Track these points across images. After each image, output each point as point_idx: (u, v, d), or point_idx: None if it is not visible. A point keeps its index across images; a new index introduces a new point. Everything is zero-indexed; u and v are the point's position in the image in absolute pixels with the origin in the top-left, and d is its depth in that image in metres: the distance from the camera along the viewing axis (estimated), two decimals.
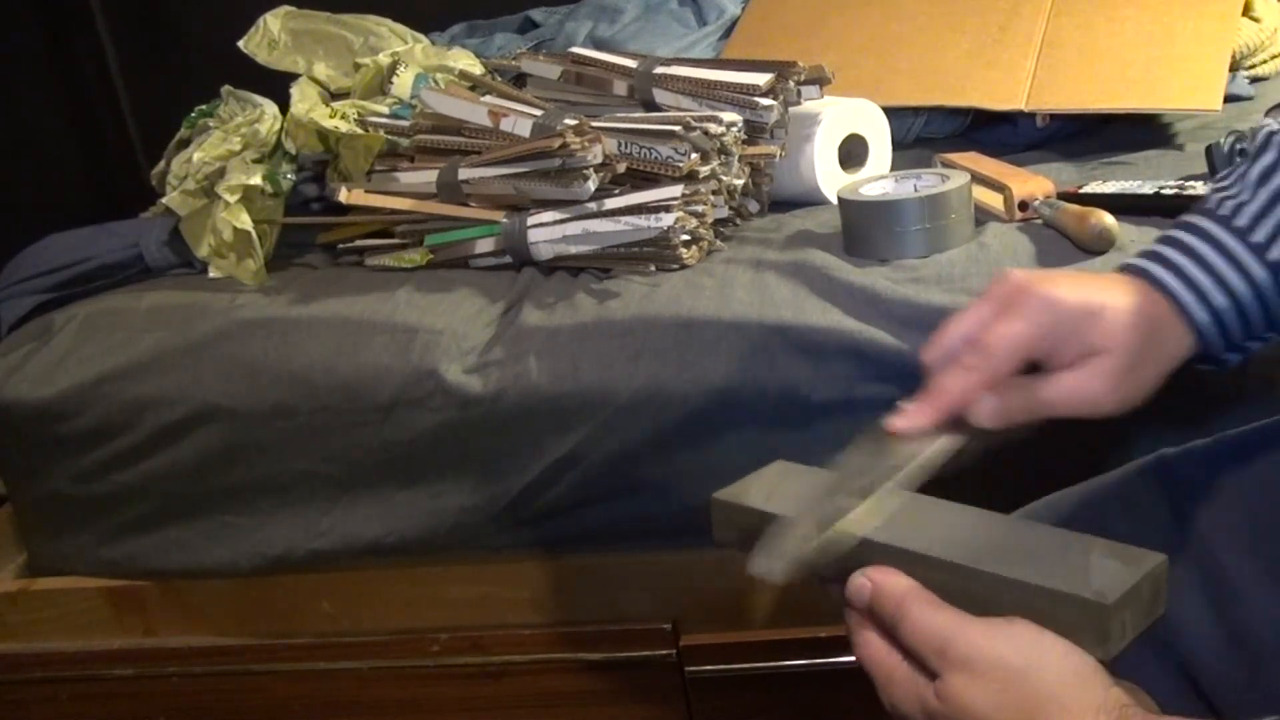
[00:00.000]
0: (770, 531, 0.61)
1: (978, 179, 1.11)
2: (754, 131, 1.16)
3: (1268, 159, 0.67)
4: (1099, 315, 0.62)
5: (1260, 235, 0.65)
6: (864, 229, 1.05)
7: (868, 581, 0.58)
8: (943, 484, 1.02)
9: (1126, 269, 0.67)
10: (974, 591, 0.56)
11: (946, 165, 1.18)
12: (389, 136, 1.26)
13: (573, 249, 1.11)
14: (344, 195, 1.17)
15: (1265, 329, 0.67)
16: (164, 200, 1.29)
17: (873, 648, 0.59)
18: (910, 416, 0.64)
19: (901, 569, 0.58)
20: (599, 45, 1.61)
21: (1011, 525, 0.62)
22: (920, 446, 0.63)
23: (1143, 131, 1.32)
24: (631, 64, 1.25)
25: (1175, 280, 0.65)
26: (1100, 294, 0.63)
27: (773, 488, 0.67)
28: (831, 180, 1.22)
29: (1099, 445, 0.94)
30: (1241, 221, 0.66)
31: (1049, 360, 0.63)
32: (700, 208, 1.09)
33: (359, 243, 1.24)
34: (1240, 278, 0.65)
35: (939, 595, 0.57)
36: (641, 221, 1.08)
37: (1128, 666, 0.55)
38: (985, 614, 0.55)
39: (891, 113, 1.29)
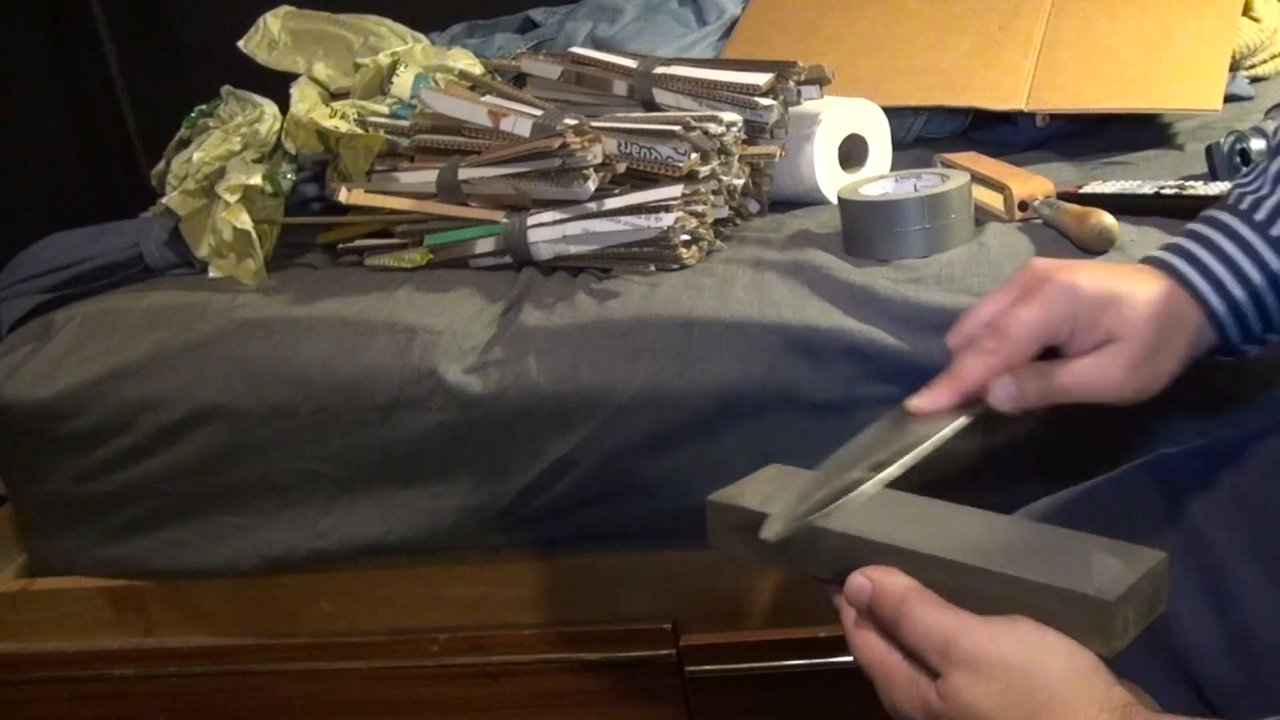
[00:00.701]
0: (783, 500, 0.62)
1: (978, 179, 1.11)
2: (754, 131, 1.16)
3: None
4: (1117, 303, 0.63)
5: (1278, 229, 0.65)
6: (864, 229, 1.05)
7: (867, 581, 0.58)
8: (944, 483, 1.02)
9: (1148, 260, 0.67)
10: (975, 590, 0.56)
11: (946, 165, 1.18)
12: (389, 136, 1.26)
13: (573, 249, 1.11)
14: (344, 195, 1.17)
15: None
16: (164, 200, 1.29)
17: (872, 648, 0.58)
18: (929, 396, 0.65)
19: (901, 568, 0.58)
20: (599, 45, 1.61)
21: (1011, 524, 0.62)
22: (936, 427, 0.64)
23: (1143, 131, 1.32)
24: (631, 64, 1.25)
25: (1193, 271, 0.65)
26: (1120, 283, 0.64)
27: (769, 490, 0.67)
28: (831, 180, 1.22)
29: (1099, 445, 0.94)
30: (1260, 215, 0.66)
31: (1067, 347, 0.64)
32: (700, 208, 1.09)
33: (359, 243, 1.24)
34: (1258, 270, 0.65)
35: (939, 595, 0.57)
36: (641, 221, 1.08)
37: (1128, 667, 0.55)
38: (986, 613, 0.55)
39: (891, 113, 1.29)
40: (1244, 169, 1.09)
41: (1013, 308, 0.64)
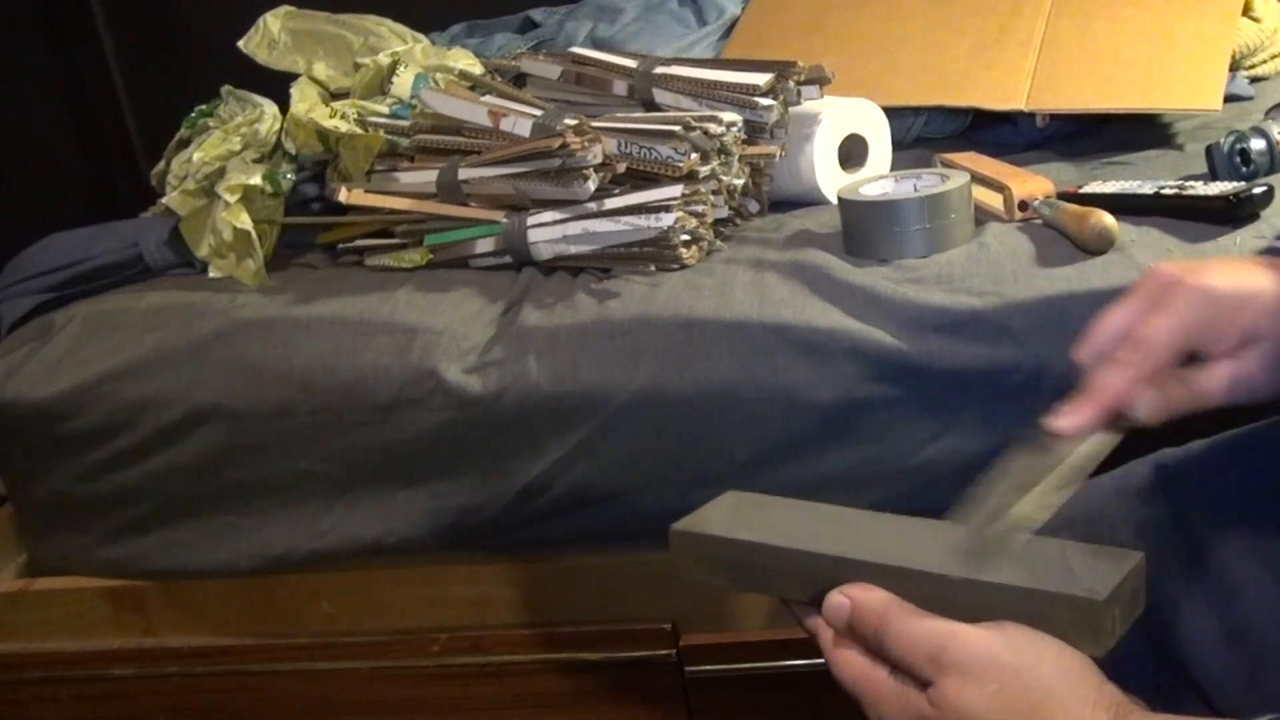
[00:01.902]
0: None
1: (978, 179, 1.11)
2: (754, 131, 1.16)
3: None
4: (1252, 302, 0.61)
5: None
6: (864, 229, 1.05)
7: (845, 599, 0.58)
8: (943, 483, 1.02)
9: (1269, 252, 0.66)
10: (957, 601, 0.55)
11: (946, 165, 1.18)
12: (389, 136, 1.26)
13: (573, 249, 1.11)
14: (344, 195, 1.17)
15: None
16: (164, 200, 1.29)
17: (856, 666, 0.58)
18: (1071, 416, 0.62)
19: (881, 585, 0.58)
20: (599, 45, 1.61)
21: (986, 535, 0.61)
22: (1086, 446, 0.62)
23: (1143, 131, 1.32)
24: (631, 64, 1.25)
25: None
26: (1251, 280, 0.62)
27: (733, 516, 0.67)
28: (831, 180, 1.22)
29: None
30: None
31: (1206, 350, 0.62)
32: (700, 208, 1.09)
33: (359, 243, 1.24)
34: None
35: (923, 608, 0.56)
36: (641, 221, 1.08)
37: (1127, 666, 0.55)
38: (972, 621, 0.55)
39: (891, 113, 1.29)
40: (1244, 169, 1.10)
41: (1147, 316, 0.62)
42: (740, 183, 1.14)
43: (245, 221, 1.20)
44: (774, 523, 0.65)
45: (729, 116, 1.12)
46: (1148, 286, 0.63)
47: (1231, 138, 1.10)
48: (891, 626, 0.56)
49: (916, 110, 1.42)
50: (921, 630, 0.55)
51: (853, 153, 1.25)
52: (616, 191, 1.10)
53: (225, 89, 1.35)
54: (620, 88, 1.25)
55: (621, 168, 1.10)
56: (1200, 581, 0.67)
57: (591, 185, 1.08)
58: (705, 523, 0.67)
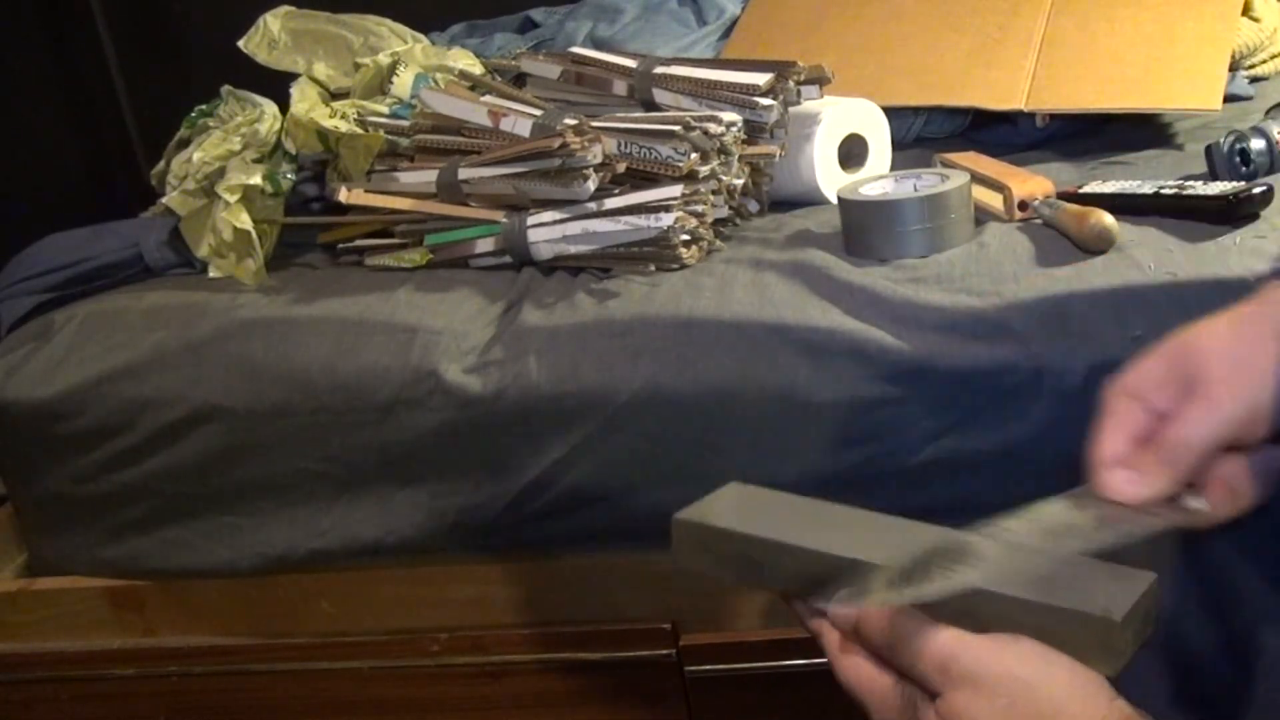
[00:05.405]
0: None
1: (978, 179, 1.11)
2: (754, 131, 1.16)
3: None
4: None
5: None
6: (864, 229, 1.05)
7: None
8: (941, 482, 1.02)
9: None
10: (971, 610, 0.54)
11: (946, 165, 1.18)
12: (389, 136, 1.26)
13: (573, 249, 1.11)
14: (344, 195, 1.17)
15: None
16: (164, 200, 1.29)
17: (862, 671, 0.56)
18: (1133, 483, 0.56)
19: None
20: (599, 45, 1.61)
21: (1003, 548, 0.59)
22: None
23: (1143, 131, 1.32)
24: (631, 64, 1.25)
25: None
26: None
27: (737, 508, 0.66)
28: (831, 180, 1.22)
29: None
30: None
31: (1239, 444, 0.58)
32: (700, 207, 1.09)
33: (359, 243, 1.24)
34: None
35: (931, 617, 0.55)
36: (641, 221, 1.08)
37: (1126, 676, 0.55)
38: (982, 632, 0.54)
39: (891, 113, 1.29)
40: (1244, 169, 1.10)
41: (1182, 413, 0.55)
42: (740, 183, 1.14)
43: (245, 221, 1.20)
44: (779, 518, 0.63)
45: (729, 116, 1.12)
46: (1172, 370, 0.56)
47: (1231, 138, 1.10)
48: (901, 634, 0.54)
49: (916, 110, 1.42)
50: (933, 639, 0.54)
51: (853, 153, 1.25)
52: (616, 191, 1.10)
53: (225, 89, 1.35)
54: (620, 88, 1.25)
55: (621, 168, 1.10)
56: (1201, 586, 0.67)
57: (591, 185, 1.08)
58: (708, 513, 0.65)
